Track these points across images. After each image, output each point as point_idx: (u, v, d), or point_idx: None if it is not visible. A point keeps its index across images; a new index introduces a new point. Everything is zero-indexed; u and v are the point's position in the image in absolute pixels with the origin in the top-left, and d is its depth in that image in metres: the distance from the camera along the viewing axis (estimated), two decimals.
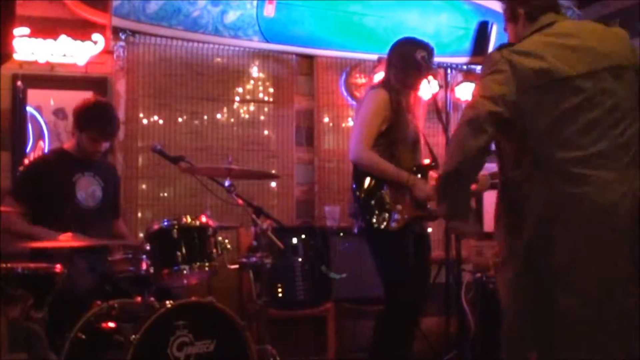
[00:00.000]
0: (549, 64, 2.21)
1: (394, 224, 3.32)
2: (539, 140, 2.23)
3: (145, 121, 4.59)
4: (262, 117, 4.88)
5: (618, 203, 2.16)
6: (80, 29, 4.39)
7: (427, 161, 3.54)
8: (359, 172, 3.38)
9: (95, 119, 3.44)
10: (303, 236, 4.43)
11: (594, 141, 2.19)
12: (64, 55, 4.32)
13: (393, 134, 3.37)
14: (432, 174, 3.54)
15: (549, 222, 2.20)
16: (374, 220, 3.33)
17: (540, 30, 2.34)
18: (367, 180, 3.36)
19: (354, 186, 3.39)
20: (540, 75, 2.21)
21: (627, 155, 2.21)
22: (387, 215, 3.32)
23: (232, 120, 4.82)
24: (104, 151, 3.58)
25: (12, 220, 3.27)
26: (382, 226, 3.31)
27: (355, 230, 3.47)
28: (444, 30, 5.10)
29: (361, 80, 5.03)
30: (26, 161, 4.13)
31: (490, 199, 5.35)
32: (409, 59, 3.42)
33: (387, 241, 3.35)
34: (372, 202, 3.34)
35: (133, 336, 2.75)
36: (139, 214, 4.52)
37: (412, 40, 3.55)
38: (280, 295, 4.27)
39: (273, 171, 4.66)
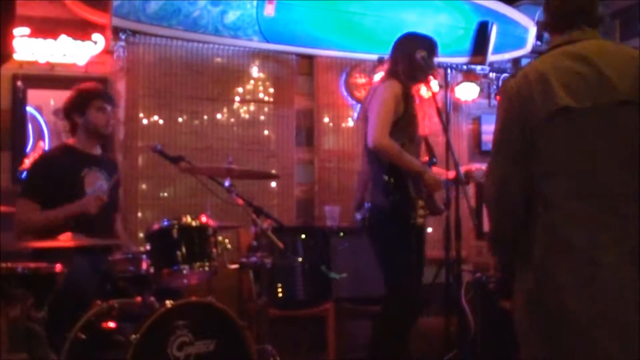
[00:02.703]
0: (553, 91, 1.98)
1: (420, 219, 3.43)
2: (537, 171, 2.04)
3: (145, 121, 4.59)
4: (262, 117, 4.89)
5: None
6: (80, 29, 4.39)
7: (426, 159, 3.56)
8: (389, 165, 3.39)
9: (92, 90, 3.52)
10: (303, 236, 4.42)
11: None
12: (64, 55, 4.33)
13: (401, 126, 3.40)
14: (435, 169, 3.57)
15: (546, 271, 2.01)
16: (409, 214, 3.39)
17: (559, 47, 2.09)
18: (395, 174, 3.39)
19: (386, 178, 3.38)
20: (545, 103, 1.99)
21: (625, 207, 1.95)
22: (414, 210, 3.41)
23: (232, 120, 4.82)
24: (111, 124, 3.59)
25: (29, 217, 3.29)
26: (413, 220, 3.39)
27: (359, 217, 3.49)
28: (444, 30, 5.10)
29: (361, 80, 5.03)
30: (27, 161, 4.13)
31: None
32: (410, 57, 3.45)
33: (409, 236, 3.42)
34: (405, 196, 3.39)
35: (133, 336, 2.75)
36: (139, 214, 4.52)
37: (414, 37, 3.58)
38: (280, 295, 4.27)
39: (273, 171, 4.67)
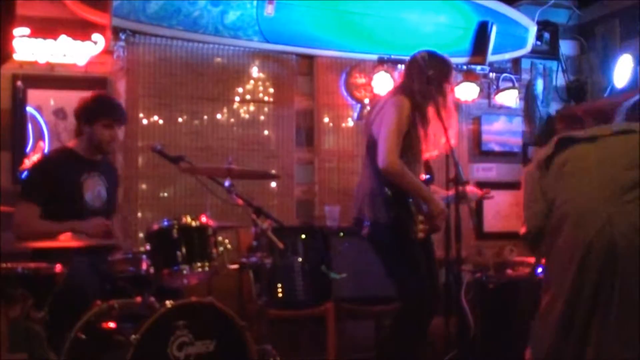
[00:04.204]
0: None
1: (421, 234, 3.39)
2: None
3: (145, 121, 4.59)
4: (262, 117, 4.88)
5: None
6: (80, 29, 4.39)
7: (423, 177, 3.55)
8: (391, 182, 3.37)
9: (104, 106, 3.50)
10: (303, 236, 4.42)
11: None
12: (64, 55, 4.32)
13: (405, 145, 3.36)
14: (433, 188, 3.56)
15: None
16: (410, 228, 3.37)
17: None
18: (396, 189, 3.36)
19: (389, 193, 3.36)
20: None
21: None
22: (415, 225, 3.38)
23: (232, 120, 4.82)
24: (115, 142, 3.59)
25: (30, 222, 3.28)
26: (414, 235, 3.37)
27: (365, 232, 3.47)
28: (444, 30, 5.10)
29: (361, 80, 5.02)
30: (27, 161, 4.13)
31: (489, 199, 5.36)
32: (424, 74, 3.41)
33: (413, 249, 3.39)
34: (405, 211, 3.37)
35: (133, 336, 2.75)
36: (139, 214, 4.52)
37: (432, 56, 3.52)
38: (280, 295, 4.27)
39: (273, 171, 4.66)
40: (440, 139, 3.45)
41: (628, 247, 2.24)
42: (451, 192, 3.47)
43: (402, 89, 3.50)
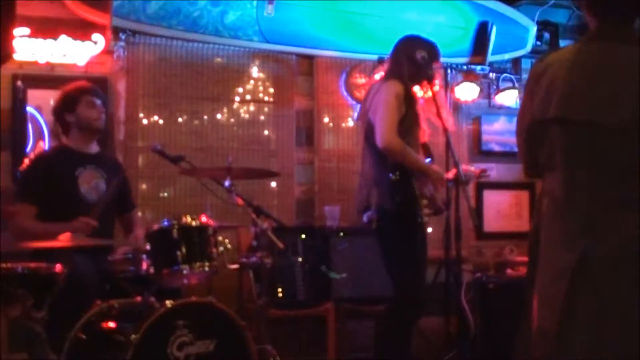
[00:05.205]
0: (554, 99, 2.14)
1: (426, 218, 3.43)
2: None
3: (145, 121, 4.59)
4: (262, 117, 4.88)
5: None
6: (80, 29, 4.39)
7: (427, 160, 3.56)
8: (394, 164, 3.38)
9: (79, 87, 3.54)
10: (303, 236, 4.42)
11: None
12: (64, 55, 4.32)
13: (405, 127, 3.39)
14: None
15: None
16: (415, 212, 3.38)
17: (586, 40, 2.16)
18: (400, 173, 3.38)
19: (393, 178, 3.37)
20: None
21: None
22: (420, 209, 3.40)
23: (232, 120, 4.82)
24: (103, 125, 3.60)
25: (23, 222, 3.29)
26: (420, 219, 3.39)
27: (365, 219, 3.47)
28: (444, 30, 5.10)
29: (361, 80, 5.03)
30: (26, 161, 4.13)
31: (490, 198, 5.37)
32: (411, 57, 3.45)
33: (416, 239, 3.41)
34: (410, 195, 3.38)
35: (133, 336, 2.76)
36: (139, 214, 4.51)
37: (417, 39, 3.58)
38: (280, 295, 4.27)
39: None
40: (430, 122, 3.50)
41: None
42: (451, 174, 3.50)
43: (392, 74, 3.52)
